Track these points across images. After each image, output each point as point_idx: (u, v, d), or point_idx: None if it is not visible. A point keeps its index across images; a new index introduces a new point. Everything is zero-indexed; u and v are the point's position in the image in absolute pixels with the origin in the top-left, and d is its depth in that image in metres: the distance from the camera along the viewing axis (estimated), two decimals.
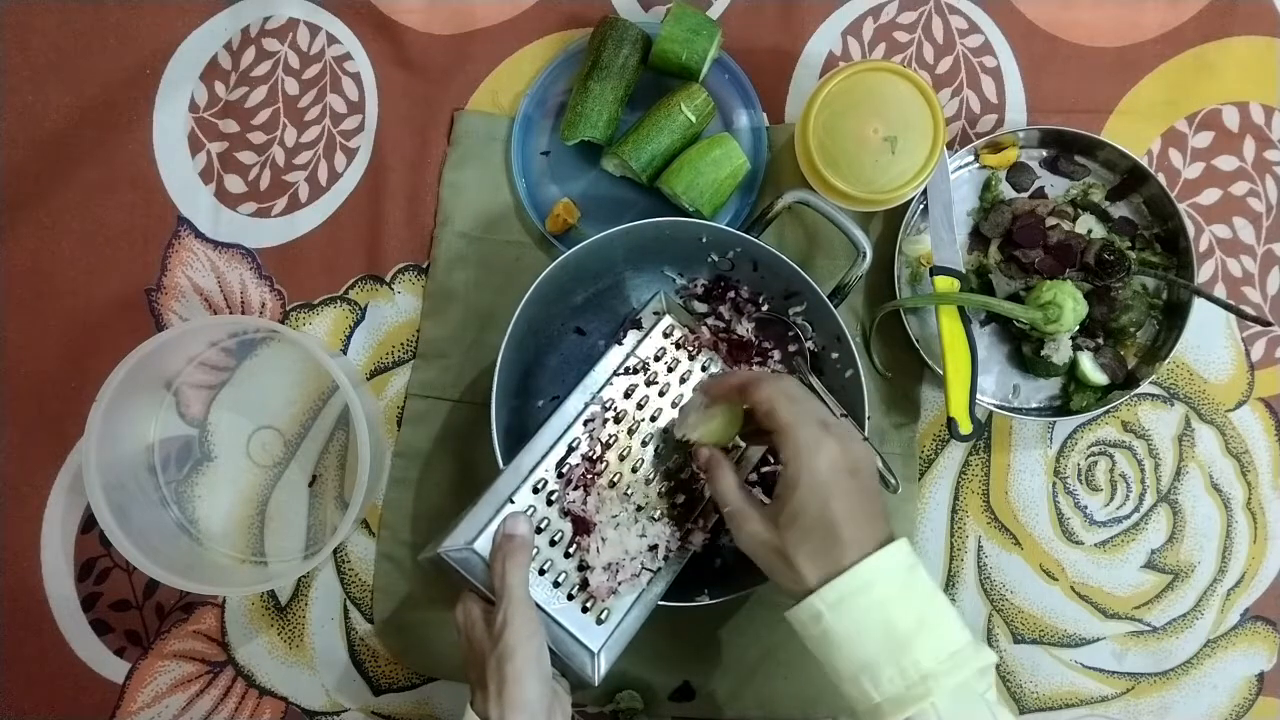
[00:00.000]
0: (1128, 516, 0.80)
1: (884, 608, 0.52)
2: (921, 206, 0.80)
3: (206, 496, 0.81)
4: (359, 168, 0.83)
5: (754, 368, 0.73)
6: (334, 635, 0.80)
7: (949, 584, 0.79)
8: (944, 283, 0.76)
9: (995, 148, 0.80)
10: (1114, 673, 0.79)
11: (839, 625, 0.52)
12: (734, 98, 0.82)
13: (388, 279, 0.82)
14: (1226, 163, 0.82)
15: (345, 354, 0.82)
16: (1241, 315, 0.76)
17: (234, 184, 0.83)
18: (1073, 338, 0.76)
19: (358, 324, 0.82)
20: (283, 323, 0.81)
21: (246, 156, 0.84)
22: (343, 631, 0.80)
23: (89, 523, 0.80)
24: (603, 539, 0.64)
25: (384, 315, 0.82)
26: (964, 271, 0.78)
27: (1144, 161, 0.78)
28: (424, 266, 0.82)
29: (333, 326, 0.82)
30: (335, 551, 0.80)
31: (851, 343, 0.70)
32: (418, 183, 0.83)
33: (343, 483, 0.81)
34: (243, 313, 0.82)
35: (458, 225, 0.81)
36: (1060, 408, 0.79)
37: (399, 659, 0.79)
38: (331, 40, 0.85)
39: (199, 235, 0.83)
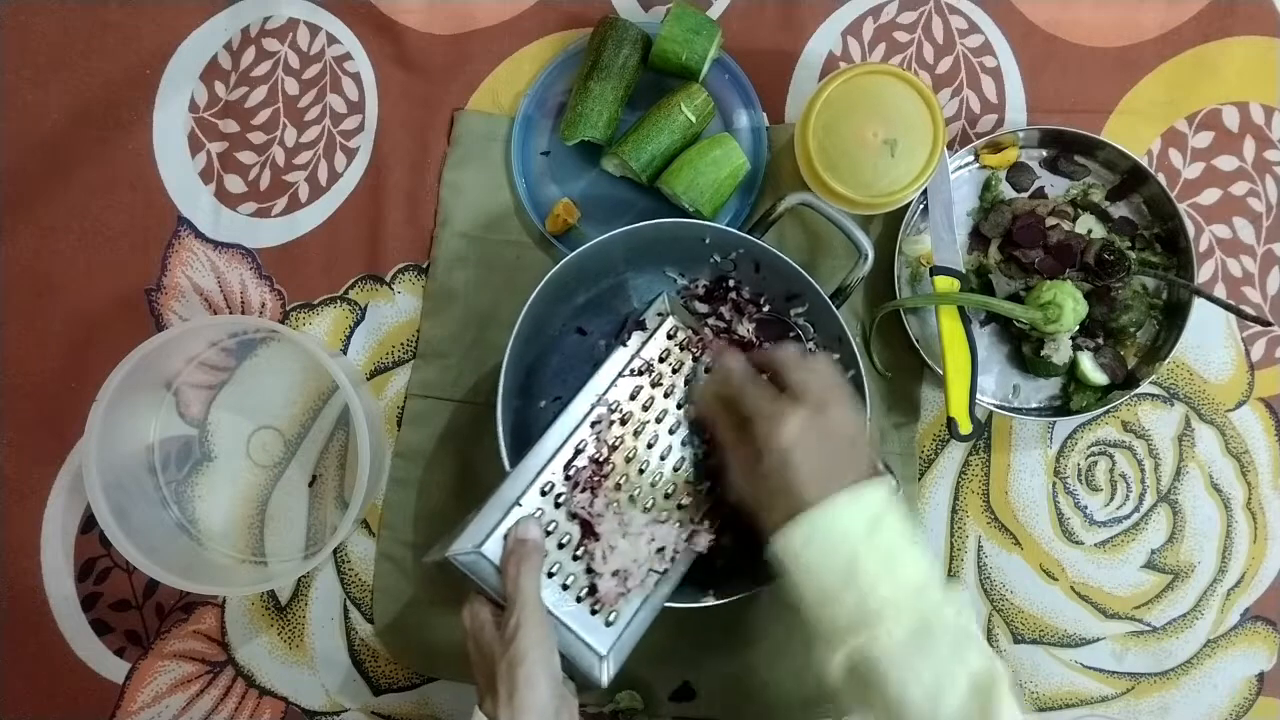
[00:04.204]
0: (1128, 516, 0.80)
1: (848, 545, 0.55)
2: (921, 206, 0.80)
3: (206, 496, 0.81)
4: (359, 168, 0.83)
5: None
6: (334, 635, 0.80)
7: None
8: (944, 283, 0.76)
9: (995, 148, 0.80)
10: (1114, 673, 0.79)
11: (807, 556, 0.55)
12: (734, 98, 0.82)
13: (388, 279, 0.82)
14: (1226, 163, 0.82)
15: (345, 354, 0.82)
16: (1241, 315, 0.76)
17: (234, 184, 0.83)
18: (1073, 338, 0.76)
19: (358, 324, 0.82)
20: (283, 323, 0.81)
21: (246, 156, 0.84)
22: (343, 631, 0.80)
23: (89, 523, 0.80)
24: (611, 547, 0.64)
25: (384, 315, 0.82)
26: (964, 271, 0.78)
27: (1144, 161, 0.78)
28: (424, 266, 0.82)
29: (333, 326, 0.82)
30: (335, 551, 0.79)
31: (853, 343, 0.70)
32: (418, 183, 0.83)
33: (343, 483, 0.80)
34: (243, 313, 0.82)
35: (458, 225, 0.81)
36: (1060, 408, 0.79)
37: (399, 659, 0.79)
38: (331, 40, 0.85)
39: (199, 235, 0.83)
